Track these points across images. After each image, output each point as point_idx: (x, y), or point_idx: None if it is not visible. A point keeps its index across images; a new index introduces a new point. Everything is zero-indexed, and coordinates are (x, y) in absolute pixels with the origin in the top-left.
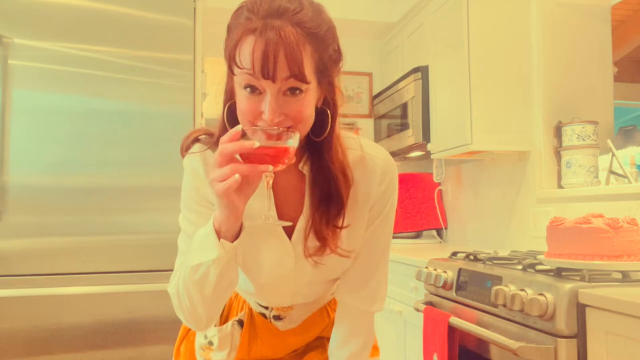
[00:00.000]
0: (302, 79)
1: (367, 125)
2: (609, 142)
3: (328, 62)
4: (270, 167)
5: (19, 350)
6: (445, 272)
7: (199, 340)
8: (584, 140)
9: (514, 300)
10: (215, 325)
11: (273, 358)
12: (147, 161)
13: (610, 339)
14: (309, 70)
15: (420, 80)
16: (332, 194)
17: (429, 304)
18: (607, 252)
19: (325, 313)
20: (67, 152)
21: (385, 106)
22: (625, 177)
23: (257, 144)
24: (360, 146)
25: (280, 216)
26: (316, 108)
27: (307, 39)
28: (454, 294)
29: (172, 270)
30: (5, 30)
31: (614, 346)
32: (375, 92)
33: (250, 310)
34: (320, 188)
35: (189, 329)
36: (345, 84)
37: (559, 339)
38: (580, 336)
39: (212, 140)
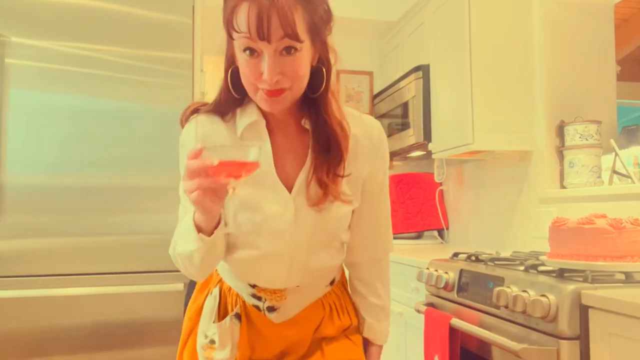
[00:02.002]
0: (296, 37)
1: None
2: (612, 141)
3: (319, 22)
4: (231, 180)
5: (16, 352)
6: (446, 273)
7: (200, 340)
8: (586, 139)
9: (516, 301)
10: (213, 322)
11: (272, 358)
12: (146, 161)
13: (613, 341)
14: (301, 30)
15: (421, 80)
16: (331, 145)
17: (430, 305)
18: (610, 252)
19: (320, 305)
20: (65, 152)
21: (385, 105)
22: (628, 177)
23: (216, 162)
24: (358, 112)
25: (280, 172)
26: (312, 67)
27: (298, 1)
28: (455, 295)
29: (171, 271)
30: (2, 29)
31: (617, 348)
32: (375, 91)
33: (244, 304)
34: (321, 140)
35: (190, 334)
36: (345, 83)
37: (561, 341)
38: (583, 338)
39: (209, 107)
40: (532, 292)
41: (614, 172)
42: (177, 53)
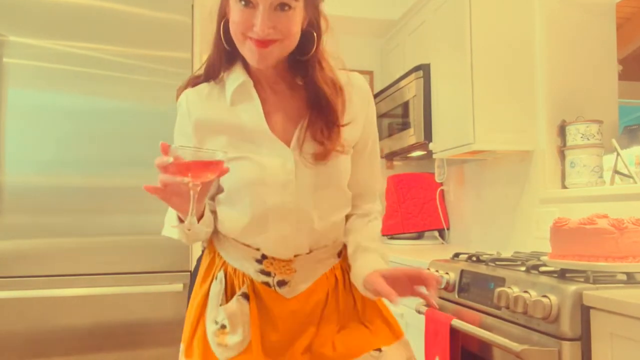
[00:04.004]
0: None
1: None
2: (614, 141)
3: None
4: (186, 179)
5: (15, 353)
6: (447, 273)
7: (211, 327)
8: (588, 139)
9: (517, 302)
10: (221, 305)
11: (285, 338)
12: (145, 161)
13: (615, 342)
14: None
15: (422, 79)
16: (322, 102)
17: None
18: (612, 253)
19: (325, 278)
20: (64, 152)
21: (386, 105)
22: (630, 177)
23: (170, 159)
24: (346, 71)
25: (275, 129)
26: (302, 30)
27: None
28: (456, 295)
29: (170, 271)
30: (1, 29)
31: (619, 349)
32: (376, 91)
33: (252, 282)
34: (312, 97)
35: (198, 323)
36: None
37: (562, 342)
38: (584, 339)
39: (200, 76)
40: (533, 293)
41: (616, 172)
42: (177, 52)
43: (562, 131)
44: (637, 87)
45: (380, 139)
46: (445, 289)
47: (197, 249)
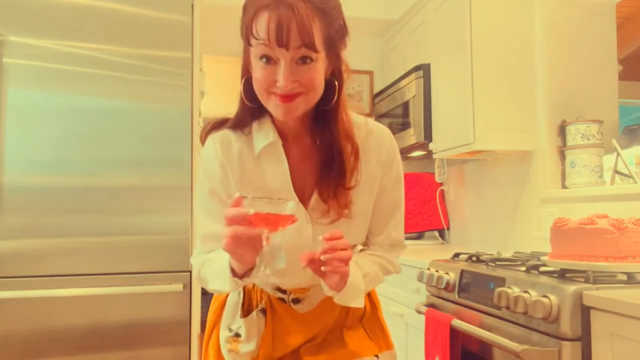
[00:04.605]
0: (313, 47)
1: None
2: (614, 141)
3: (335, 35)
4: (265, 232)
5: (13, 353)
6: (447, 273)
7: (224, 334)
8: (588, 139)
9: (517, 302)
10: (240, 317)
11: (295, 347)
12: (144, 161)
13: (615, 342)
14: (318, 41)
15: (422, 79)
16: (335, 161)
17: (431, 306)
18: (612, 253)
19: None
20: (63, 152)
21: (386, 105)
22: (630, 177)
23: (252, 211)
24: (366, 120)
25: (297, 186)
26: (325, 79)
27: (316, 13)
28: (456, 295)
29: (169, 271)
30: (0, 28)
31: (619, 349)
32: (376, 91)
33: (270, 297)
34: (326, 153)
35: (214, 328)
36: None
37: (563, 342)
38: (584, 339)
39: (229, 123)
40: (533, 293)
41: (616, 172)
42: (176, 52)
43: (562, 131)
44: (637, 87)
45: None
46: (445, 289)
47: None
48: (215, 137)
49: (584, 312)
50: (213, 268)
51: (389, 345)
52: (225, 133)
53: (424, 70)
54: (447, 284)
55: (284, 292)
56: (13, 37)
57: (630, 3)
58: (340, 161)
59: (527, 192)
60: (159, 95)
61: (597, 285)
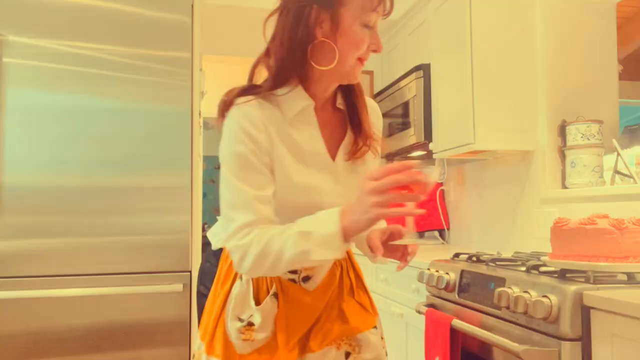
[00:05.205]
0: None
1: None
2: (614, 141)
3: None
4: (421, 211)
5: (13, 353)
6: (447, 273)
7: (234, 325)
8: (588, 139)
9: (518, 302)
10: (255, 305)
11: (307, 327)
12: (144, 161)
13: (615, 342)
14: None
15: (422, 79)
16: (364, 123)
17: (431, 306)
18: (612, 253)
19: (335, 266)
20: (63, 151)
21: (386, 105)
22: (630, 177)
23: (433, 179)
24: None
25: (328, 145)
26: None
27: None
28: (457, 296)
29: (169, 271)
30: (0, 28)
31: (620, 349)
32: (376, 91)
33: (280, 280)
34: (353, 118)
35: (217, 322)
36: None
37: (563, 342)
38: (585, 339)
39: (259, 91)
40: (533, 293)
41: (616, 172)
42: (176, 52)
43: (562, 131)
44: (638, 86)
45: None
46: (446, 289)
47: (197, 250)
48: (251, 103)
49: (584, 312)
50: (311, 239)
51: (375, 312)
52: (257, 99)
53: (424, 70)
54: (447, 284)
55: (294, 272)
56: (13, 36)
57: (631, 3)
58: (365, 121)
59: (528, 192)
60: (159, 95)
61: (598, 286)
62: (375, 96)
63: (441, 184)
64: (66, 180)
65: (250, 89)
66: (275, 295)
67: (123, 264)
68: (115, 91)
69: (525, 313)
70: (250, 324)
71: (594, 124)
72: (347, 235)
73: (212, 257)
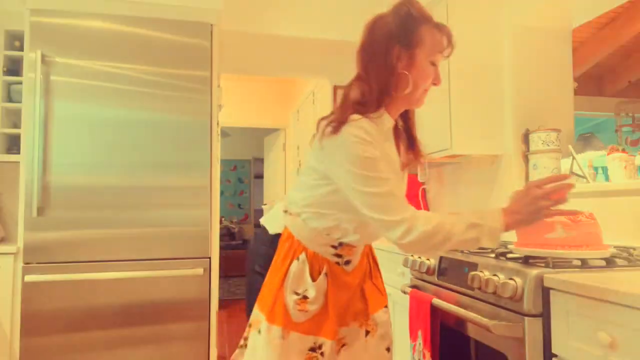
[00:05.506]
0: None
1: None
2: (570, 147)
3: None
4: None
5: (60, 327)
6: (428, 259)
7: (292, 297)
8: (548, 145)
9: (488, 284)
10: (312, 282)
11: (347, 302)
12: (170, 164)
13: (571, 318)
14: None
15: None
16: (414, 135)
17: (414, 287)
18: (569, 242)
19: (363, 252)
20: (101, 156)
21: None
22: (584, 177)
23: (573, 185)
24: None
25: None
26: None
27: None
28: (436, 278)
29: (192, 257)
30: (48, 51)
31: (574, 324)
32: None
33: (328, 262)
34: (405, 132)
35: (276, 298)
36: (338, 95)
37: (526, 318)
38: (545, 315)
39: (366, 111)
40: (501, 276)
41: (572, 173)
42: (197, 71)
43: (526, 138)
44: (591, 101)
45: None
46: (427, 272)
47: (215, 240)
48: (364, 120)
49: (545, 293)
50: (480, 230)
51: (385, 294)
52: (365, 118)
53: None
54: (428, 268)
55: (339, 256)
56: (59, 58)
57: (585, 29)
58: (418, 139)
59: (497, 190)
60: (182, 108)
61: (556, 270)
62: None
63: (423, 184)
64: (104, 181)
65: (357, 110)
66: (326, 274)
67: (152, 251)
68: (145, 104)
69: (495, 293)
70: (305, 297)
71: (553, 132)
72: (506, 229)
73: (267, 241)
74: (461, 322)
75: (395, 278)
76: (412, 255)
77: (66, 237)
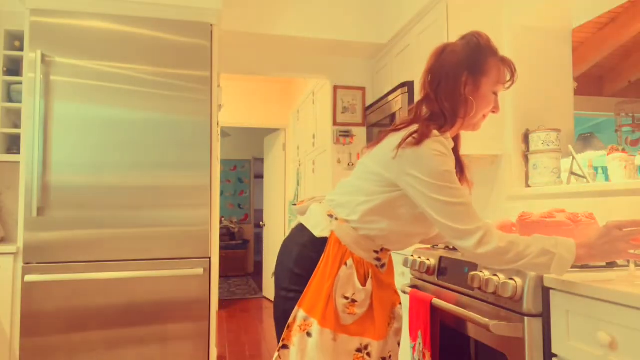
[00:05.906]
0: None
1: (361, 132)
2: (570, 147)
3: None
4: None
5: (60, 327)
6: (428, 259)
7: (341, 301)
8: (548, 145)
9: (488, 284)
10: (361, 286)
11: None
12: (170, 163)
13: (570, 317)
14: None
15: (407, 94)
16: (462, 160)
17: (414, 287)
18: None
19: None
20: (101, 156)
21: (376, 116)
22: (584, 177)
23: None
24: None
25: None
26: None
27: None
28: (436, 278)
29: (192, 258)
30: (48, 51)
31: (574, 324)
32: (367, 104)
33: (371, 266)
34: (457, 157)
35: (328, 302)
36: (342, 97)
37: (526, 318)
38: (545, 315)
39: (445, 127)
40: (501, 276)
41: (572, 173)
42: (197, 71)
43: (526, 138)
44: (590, 100)
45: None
46: (427, 272)
47: (215, 240)
48: (443, 137)
49: (545, 293)
50: (552, 258)
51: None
52: (441, 135)
53: (408, 87)
54: (428, 268)
55: (379, 260)
56: (59, 58)
57: (584, 29)
58: (464, 161)
59: (497, 190)
60: (182, 108)
61: None
62: (366, 109)
63: None
64: (104, 180)
65: (435, 126)
66: (372, 278)
67: (152, 251)
68: (146, 104)
69: (495, 293)
70: (354, 301)
71: (553, 132)
72: (577, 262)
73: (310, 244)
74: (461, 322)
75: (396, 278)
76: (412, 255)
77: (66, 237)
